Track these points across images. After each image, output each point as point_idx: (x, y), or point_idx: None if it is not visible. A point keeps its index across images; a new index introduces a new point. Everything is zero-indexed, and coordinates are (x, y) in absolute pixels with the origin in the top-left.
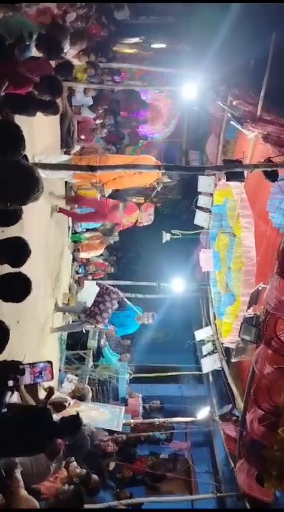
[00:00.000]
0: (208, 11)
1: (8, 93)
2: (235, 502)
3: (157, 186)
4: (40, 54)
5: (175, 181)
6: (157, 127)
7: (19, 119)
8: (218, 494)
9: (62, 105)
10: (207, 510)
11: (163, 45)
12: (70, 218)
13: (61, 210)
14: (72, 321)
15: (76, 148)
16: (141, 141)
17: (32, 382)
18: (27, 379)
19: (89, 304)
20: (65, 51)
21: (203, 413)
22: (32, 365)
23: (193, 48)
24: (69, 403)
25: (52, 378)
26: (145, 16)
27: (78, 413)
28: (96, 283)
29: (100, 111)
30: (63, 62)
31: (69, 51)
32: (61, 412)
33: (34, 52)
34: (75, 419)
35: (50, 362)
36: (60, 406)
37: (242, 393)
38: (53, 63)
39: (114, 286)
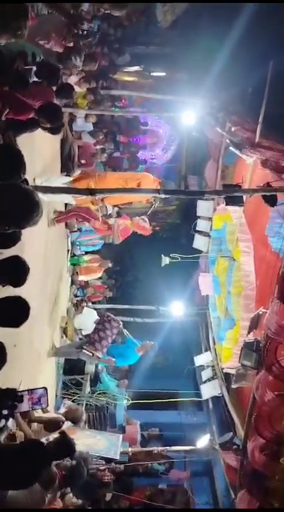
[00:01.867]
0: (206, 40)
1: (9, 118)
2: None
3: (153, 203)
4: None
5: (174, 206)
6: (156, 152)
7: (21, 142)
8: None
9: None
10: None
11: (162, 74)
12: (69, 241)
13: (59, 220)
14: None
15: (77, 172)
16: (140, 166)
17: (30, 409)
18: (25, 406)
19: (86, 331)
20: (77, 66)
21: (203, 441)
22: (31, 391)
23: (191, 76)
24: (64, 422)
25: (48, 404)
26: (145, 46)
27: (62, 432)
28: (97, 312)
29: (100, 137)
30: (64, 85)
31: (71, 78)
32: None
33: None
34: (66, 441)
35: (45, 388)
36: (55, 425)
37: (242, 420)
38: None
39: (112, 309)
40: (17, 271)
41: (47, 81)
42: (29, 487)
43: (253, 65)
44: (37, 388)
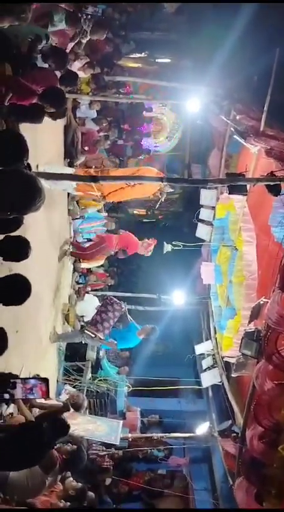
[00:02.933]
0: (211, 27)
1: (12, 103)
2: None
3: (160, 197)
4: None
5: (177, 194)
6: (160, 140)
7: (23, 128)
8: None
9: (67, 115)
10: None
11: (167, 60)
12: (71, 228)
13: (73, 254)
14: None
15: (81, 159)
16: (144, 154)
17: (23, 397)
18: (19, 393)
19: (87, 318)
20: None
21: (202, 428)
22: (24, 380)
23: (196, 63)
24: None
25: (44, 396)
26: (150, 32)
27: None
28: (101, 295)
29: (104, 124)
30: (68, 72)
31: (75, 64)
32: None
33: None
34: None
35: (45, 380)
36: (56, 410)
37: (242, 409)
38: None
39: (114, 297)
40: (18, 246)
41: (55, 64)
42: (26, 468)
43: (259, 52)
44: (30, 378)
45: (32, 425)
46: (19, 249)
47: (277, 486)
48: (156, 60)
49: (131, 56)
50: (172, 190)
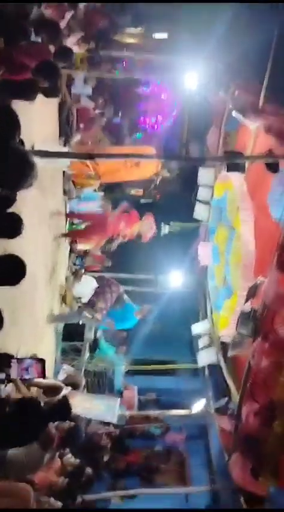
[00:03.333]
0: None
1: (5, 78)
2: (229, 495)
3: (155, 179)
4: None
5: (175, 174)
6: (158, 118)
7: (16, 105)
8: (212, 487)
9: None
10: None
11: (164, 35)
12: (68, 208)
13: (66, 235)
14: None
15: (75, 138)
16: (140, 132)
17: (19, 377)
18: (14, 373)
19: (85, 300)
20: None
21: (198, 406)
22: (20, 360)
23: (195, 38)
24: (63, 388)
25: (40, 376)
26: (147, 5)
27: (64, 396)
28: (98, 276)
29: (100, 101)
30: (63, 47)
31: (69, 39)
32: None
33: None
34: (63, 403)
35: (41, 360)
36: (54, 390)
37: (238, 387)
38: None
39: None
40: (11, 222)
41: (48, 37)
42: (24, 445)
43: (259, 26)
44: (26, 358)
45: (29, 401)
46: (11, 226)
47: (272, 462)
48: (153, 35)
49: (127, 31)
50: (168, 174)
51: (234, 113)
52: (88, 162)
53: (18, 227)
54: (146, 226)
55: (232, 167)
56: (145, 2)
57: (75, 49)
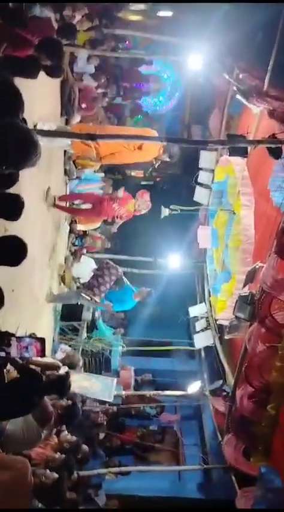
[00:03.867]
0: None
1: (7, 54)
2: (221, 474)
3: (155, 163)
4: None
5: (177, 158)
6: (160, 99)
7: (19, 82)
8: (205, 466)
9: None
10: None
11: (169, 13)
12: (68, 189)
13: (58, 206)
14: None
15: (77, 118)
16: (143, 113)
17: (19, 356)
18: (14, 351)
19: (84, 280)
20: None
21: (194, 387)
22: (19, 339)
23: (200, 18)
24: (60, 367)
25: (39, 354)
26: None
27: (67, 373)
28: (97, 260)
29: (102, 80)
30: (67, 24)
31: (73, 16)
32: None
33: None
34: (64, 378)
35: (40, 339)
36: (51, 369)
37: (233, 370)
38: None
39: (110, 260)
40: (11, 207)
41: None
42: (20, 415)
43: (265, 7)
44: (25, 337)
45: (30, 371)
46: (13, 207)
47: (264, 443)
48: (157, 14)
49: (131, 8)
50: (168, 160)
51: (238, 96)
52: (90, 142)
53: (19, 211)
54: (141, 202)
55: (234, 151)
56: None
57: (78, 26)
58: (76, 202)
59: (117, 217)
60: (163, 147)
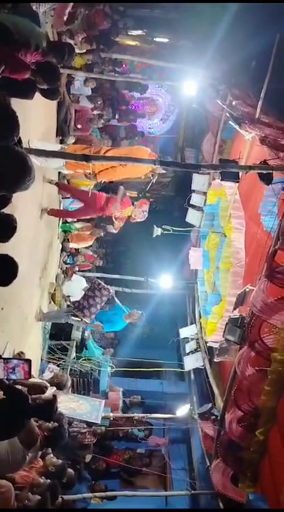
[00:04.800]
0: (211, 8)
1: (5, 77)
2: (209, 500)
3: (152, 178)
4: None
5: (169, 178)
6: (155, 122)
7: (15, 103)
8: (192, 491)
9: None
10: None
11: (165, 40)
12: (61, 207)
13: (51, 212)
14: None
15: (71, 139)
16: (138, 135)
17: (5, 378)
18: (0, 373)
19: (74, 298)
20: None
21: (182, 410)
22: (6, 360)
23: (195, 45)
24: (47, 388)
25: (26, 376)
26: (149, 9)
27: (54, 396)
28: (88, 278)
29: (98, 102)
30: (63, 44)
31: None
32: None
33: None
34: (51, 402)
35: (28, 361)
36: (38, 389)
37: (222, 393)
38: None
39: (101, 278)
40: (5, 226)
41: (56, 59)
42: (8, 437)
43: (259, 37)
44: (13, 358)
45: (17, 392)
46: (6, 229)
47: (252, 469)
48: (154, 39)
49: (129, 33)
50: (164, 172)
51: (230, 122)
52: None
53: (10, 233)
54: (138, 212)
55: (226, 176)
56: (149, 2)
57: (77, 49)
58: (70, 220)
59: (114, 218)
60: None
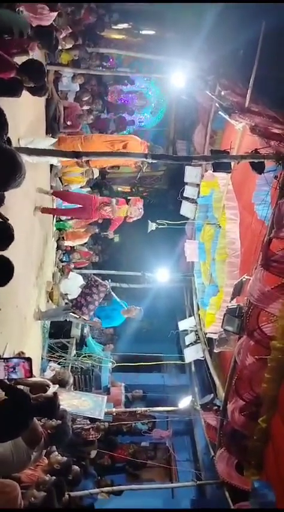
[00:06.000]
0: None
1: None
2: (215, 490)
3: (142, 166)
4: None
5: (162, 171)
6: (145, 115)
7: (2, 101)
8: (198, 482)
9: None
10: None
11: (152, 32)
12: (54, 205)
13: (44, 210)
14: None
15: (62, 134)
16: (128, 128)
17: (6, 378)
18: (1, 373)
19: (72, 296)
20: None
21: (185, 402)
22: (6, 360)
23: (182, 36)
24: (49, 386)
25: (27, 375)
26: (134, 2)
27: (55, 394)
28: (85, 276)
29: (85, 99)
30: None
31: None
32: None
33: None
34: (53, 400)
35: (28, 359)
36: (40, 388)
37: (223, 383)
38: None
39: (98, 275)
40: (1, 235)
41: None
42: (11, 438)
43: (245, 25)
44: (13, 357)
45: (19, 392)
46: (3, 237)
47: (256, 457)
48: (141, 32)
49: (115, 27)
50: (155, 161)
51: (220, 112)
52: (78, 146)
53: (8, 241)
54: (133, 210)
55: (218, 167)
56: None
57: (62, 45)
58: (63, 218)
59: (110, 220)
60: (147, 148)
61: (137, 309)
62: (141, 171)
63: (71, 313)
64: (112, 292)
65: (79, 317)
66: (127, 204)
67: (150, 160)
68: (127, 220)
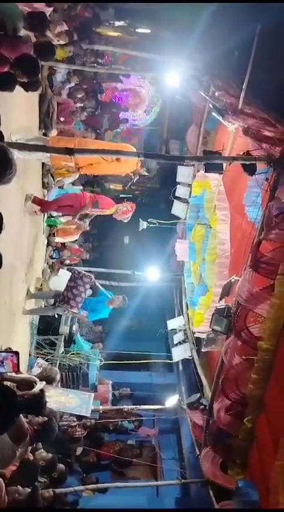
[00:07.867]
0: None
1: None
2: (199, 489)
3: (133, 177)
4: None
5: (154, 173)
6: (139, 114)
7: None
8: (183, 480)
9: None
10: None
11: (147, 30)
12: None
13: (35, 200)
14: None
15: (54, 131)
16: (121, 126)
17: None
18: None
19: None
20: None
21: (171, 401)
22: None
23: (178, 36)
24: (36, 383)
25: (15, 369)
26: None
27: (42, 391)
28: (68, 269)
29: (79, 96)
30: (44, 43)
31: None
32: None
33: None
34: (39, 397)
35: (16, 353)
36: (27, 385)
37: (210, 383)
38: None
39: (88, 272)
40: None
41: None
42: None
43: (240, 28)
44: (0, 351)
45: (4, 388)
46: None
47: (241, 456)
48: (136, 30)
49: (110, 24)
50: (147, 174)
51: (214, 113)
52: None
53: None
54: (121, 216)
55: (210, 167)
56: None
57: (56, 41)
58: (55, 214)
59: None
60: (140, 161)
61: (120, 297)
62: (132, 181)
63: (59, 309)
64: (97, 284)
65: (68, 311)
66: (118, 208)
67: (142, 173)
68: (113, 216)
